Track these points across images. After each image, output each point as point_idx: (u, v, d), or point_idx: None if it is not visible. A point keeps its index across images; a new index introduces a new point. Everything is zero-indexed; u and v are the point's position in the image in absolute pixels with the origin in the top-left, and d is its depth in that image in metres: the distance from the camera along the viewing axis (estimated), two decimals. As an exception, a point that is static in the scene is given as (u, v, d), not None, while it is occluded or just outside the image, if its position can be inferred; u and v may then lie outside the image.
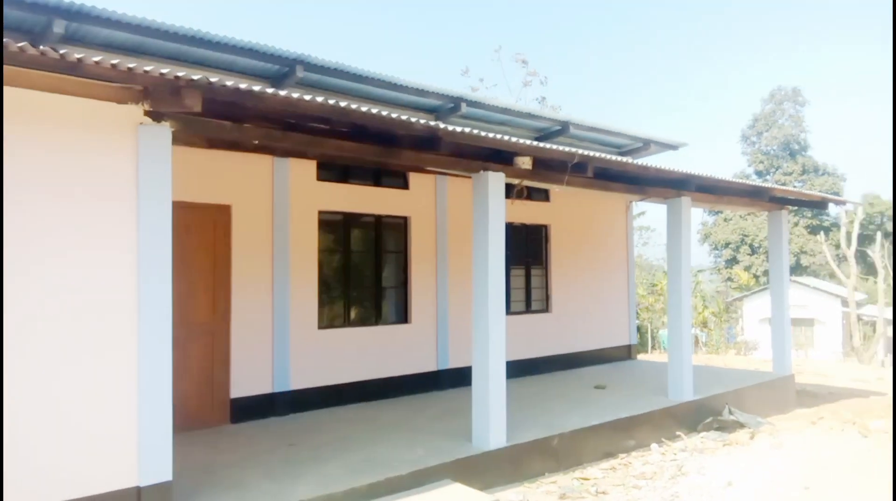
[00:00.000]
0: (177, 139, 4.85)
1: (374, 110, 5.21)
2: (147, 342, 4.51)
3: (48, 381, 4.15)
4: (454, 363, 9.70)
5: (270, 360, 7.87)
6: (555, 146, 6.65)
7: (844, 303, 29.22)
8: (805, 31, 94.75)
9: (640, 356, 14.92)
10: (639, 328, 22.25)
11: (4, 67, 3.74)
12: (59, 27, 6.08)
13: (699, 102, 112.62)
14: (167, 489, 4.54)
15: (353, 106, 5.08)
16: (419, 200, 9.59)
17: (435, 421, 7.50)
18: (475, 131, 5.93)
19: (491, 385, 6.40)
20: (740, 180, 9.59)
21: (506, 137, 6.15)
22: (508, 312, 10.28)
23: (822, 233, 35.41)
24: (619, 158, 7.45)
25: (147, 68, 4.09)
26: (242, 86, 4.51)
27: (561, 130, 10.65)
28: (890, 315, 26.97)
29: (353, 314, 9.01)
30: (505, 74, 67.12)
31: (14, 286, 4.05)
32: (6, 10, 5.83)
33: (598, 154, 7.04)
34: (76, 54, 3.85)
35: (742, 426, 8.54)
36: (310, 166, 8.37)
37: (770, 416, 9.49)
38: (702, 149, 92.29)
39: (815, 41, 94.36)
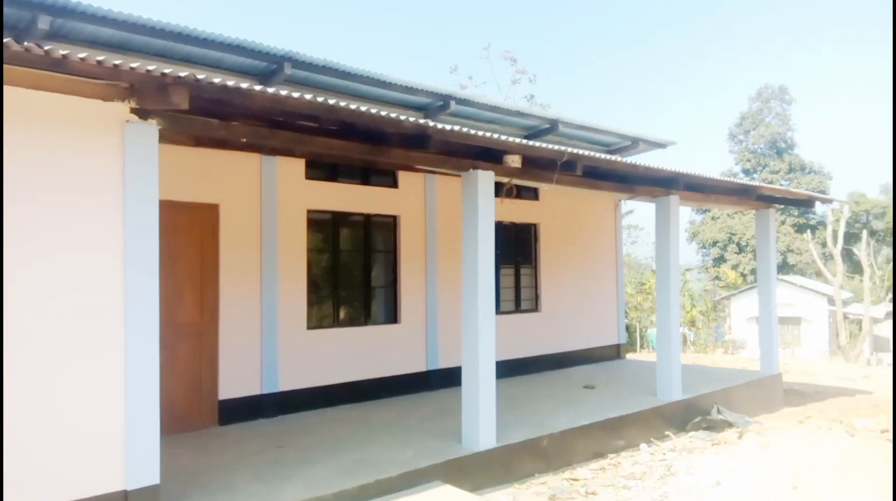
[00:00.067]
0: (164, 137, 4.79)
1: (363, 108, 5.17)
2: (134, 343, 4.45)
3: (32, 384, 4.08)
4: (444, 363, 9.67)
5: (259, 361, 7.81)
6: (544, 145, 6.64)
7: (831, 301, 29.45)
8: (793, 30, 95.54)
9: (629, 356, 14.95)
10: (627, 327, 22.31)
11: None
12: (43, 23, 6.01)
13: (687, 101, 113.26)
14: (154, 492, 4.48)
15: (342, 104, 5.03)
16: (408, 198, 9.55)
17: (425, 422, 7.48)
18: (465, 129, 5.90)
19: (481, 386, 6.38)
20: (728, 179, 9.62)
21: (495, 136, 6.13)
22: (498, 311, 10.28)
23: (808, 231, 35.75)
24: (608, 157, 7.45)
25: (133, 65, 4.03)
26: (230, 83, 4.45)
27: (550, 128, 10.65)
28: (876, 313, 27.22)
29: (342, 314, 8.96)
30: (494, 72, 66.87)
31: (-4, 287, 3.98)
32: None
33: (587, 152, 7.03)
34: (61, 51, 3.79)
35: (730, 425, 8.57)
36: (298, 165, 8.32)
37: (758, 415, 9.53)
38: (690, 147, 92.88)
39: (802, 40, 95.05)
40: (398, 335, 9.34)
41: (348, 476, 5.44)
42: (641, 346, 25.30)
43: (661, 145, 12.46)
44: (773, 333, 10.82)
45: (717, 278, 42.23)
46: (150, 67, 4.10)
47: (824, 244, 32.82)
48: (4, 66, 3.75)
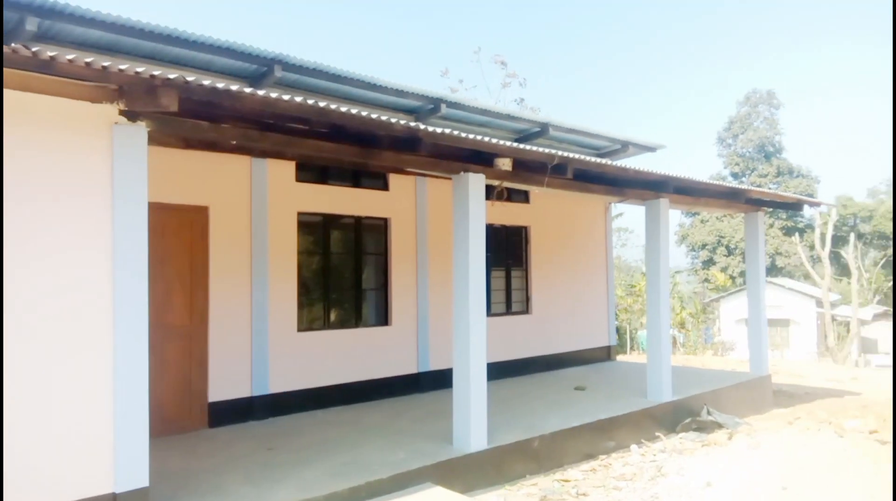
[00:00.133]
0: (153, 139, 4.77)
1: (354, 111, 5.17)
2: (123, 345, 4.43)
3: (19, 386, 4.05)
4: (435, 365, 9.67)
5: (249, 363, 7.79)
6: (535, 148, 6.66)
7: (819, 304, 29.65)
8: (781, 35, 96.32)
9: (619, 357, 15.00)
10: (617, 329, 22.39)
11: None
12: (31, 25, 5.96)
13: (677, 105, 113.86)
14: (144, 495, 4.46)
15: (333, 106, 5.03)
16: (399, 201, 9.55)
17: (416, 424, 7.47)
18: (456, 133, 5.91)
19: (472, 387, 6.38)
20: (717, 182, 9.68)
21: (486, 139, 6.14)
22: (489, 313, 10.30)
23: (796, 234, 35.93)
24: (598, 160, 7.48)
25: (122, 67, 4.02)
26: (220, 85, 4.45)
27: (540, 131, 10.68)
28: (863, 315, 27.43)
29: (332, 317, 8.95)
30: (484, 75, 67.41)
31: (-16, 289, 3.95)
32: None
33: (577, 156, 7.06)
34: (49, 52, 3.77)
35: (720, 426, 8.61)
36: (288, 167, 8.31)
37: (747, 416, 9.58)
38: (679, 151, 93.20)
39: (791, 45, 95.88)
40: (389, 337, 9.33)
41: (339, 478, 5.43)
42: (631, 348, 25.39)
43: (651, 149, 12.52)
44: (763, 335, 10.89)
45: (706, 280, 42.44)
46: (140, 69, 4.09)
47: (812, 247, 33.03)
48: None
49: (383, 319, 9.43)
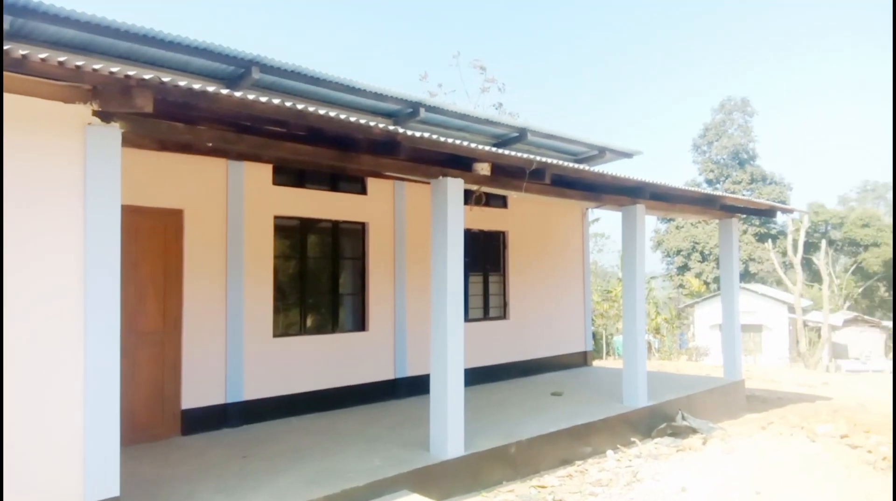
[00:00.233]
0: (127, 141, 4.69)
1: (332, 114, 5.13)
2: (94, 350, 4.33)
3: (-15, 393, 3.94)
4: (412, 371, 9.62)
5: (223, 369, 7.68)
6: (513, 153, 6.66)
7: (791, 309, 30.09)
8: (756, 44, 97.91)
9: (596, 363, 15.06)
10: (594, 335, 22.51)
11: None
12: (4, 23, 5.85)
13: (654, 113, 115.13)
14: (113, 504, 4.36)
15: (311, 109, 4.99)
16: (377, 205, 9.51)
17: (392, 430, 7.42)
18: (434, 136, 5.88)
19: (449, 393, 6.35)
20: (693, 189, 9.77)
21: (465, 143, 6.13)
22: (466, 319, 10.29)
23: (769, 241, 36.49)
24: (576, 166, 7.51)
25: (96, 66, 3.94)
26: (196, 86, 4.38)
27: (519, 136, 10.71)
28: (834, 321, 27.87)
29: (309, 322, 8.86)
30: (463, 80, 67.40)
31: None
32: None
33: (555, 161, 7.08)
34: (21, 51, 3.68)
35: (695, 431, 8.67)
36: (265, 170, 8.22)
37: (721, 421, 9.67)
38: (655, 158, 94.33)
39: (766, 55, 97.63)
40: (366, 343, 9.27)
41: (314, 486, 5.37)
42: (607, 353, 25.54)
43: (628, 155, 12.62)
44: (736, 340, 11.00)
45: (681, 286, 42.86)
46: (114, 69, 4.01)
47: (785, 253, 33.55)
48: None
49: (360, 324, 9.36)
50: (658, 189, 8.84)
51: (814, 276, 38.36)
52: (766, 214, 11.98)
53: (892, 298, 27.60)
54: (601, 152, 12.17)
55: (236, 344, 7.76)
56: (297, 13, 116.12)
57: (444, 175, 6.46)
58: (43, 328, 4.18)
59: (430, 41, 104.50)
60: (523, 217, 11.85)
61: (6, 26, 5.89)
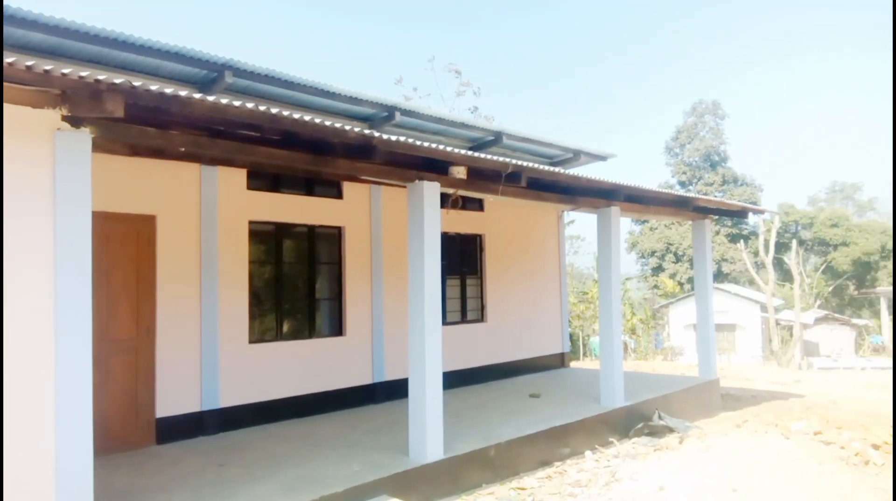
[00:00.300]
0: (97, 146, 4.62)
1: (307, 118, 5.10)
2: (65, 359, 4.25)
3: (-47, 405, 3.85)
4: (390, 375, 9.59)
5: (198, 377, 7.58)
6: (489, 156, 6.68)
7: (763, 309, 30.47)
8: (729, 50, 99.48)
9: (573, 364, 15.14)
10: (571, 336, 22.62)
11: None
12: (-33, 26, 5.74)
13: (627, 115, 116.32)
14: (86, 516, 4.28)
15: (285, 113, 4.95)
16: (353, 209, 9.47)
17: (371, 435, 7.39)
18: (410, 140, 5.88)
19: (427, 397, 6.34)
20: (667, 191, 9.88)
21: (441, 147, 6.13)
22: (444, 322, 10.28)
23: (741, 241, 36.93)
24: (552, 169, 7.55)
25: (65, 71, 3.87)
26: (168, 90, 4.32)
27: (494, 140, 10.74)
28: (805, 319, 28.32)
29: (285, 328, 8.79)
30: (438, 84, 67.52)
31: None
32: None
33: (531, 164, 7.12)
34: (-15, 55, 3.61)
35: (671, 430, 8.75)
36: (239, 175, 8.15)
37: (697, 420, 9.77)
38: (629, 161, 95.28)
39: (738, 60, 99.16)
40: (343, 348, 9.22)
41: (292, 493, 5.32)
42: (584, 354, 25.69)
43: (602, 158, 12.72)
44: (711, 339, 11.13)
45: (655, 286, 43.25)
46: (84, 73, 3.95)
47: (756, 253, 34.01)
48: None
49: (337, 329, 9.31)
50: (632, 191, 8.92)
51: (785, 275, 38.92)
52: (738, 215, 12.16)
53: (894, 299, 28.05)
54: (576, 155, 12.25)
55: (211, 351, 7.66)
56: (271, 16, 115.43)
57: (421, 179, 6.46)
58: (11, 338, 4.09)
59: (405, 45, 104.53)
60: (500, 220, 11.88)
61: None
